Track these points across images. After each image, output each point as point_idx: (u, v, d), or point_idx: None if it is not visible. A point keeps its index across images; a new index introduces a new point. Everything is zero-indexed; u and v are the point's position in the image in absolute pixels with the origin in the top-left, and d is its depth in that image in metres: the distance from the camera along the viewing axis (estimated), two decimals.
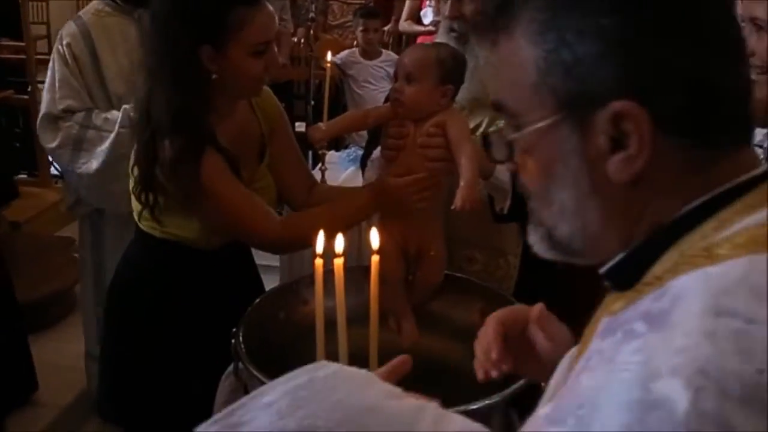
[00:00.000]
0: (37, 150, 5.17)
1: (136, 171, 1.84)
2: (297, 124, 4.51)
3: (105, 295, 2.37)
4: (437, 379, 1.73)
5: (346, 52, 4.81)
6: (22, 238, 4.41)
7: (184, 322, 1.97)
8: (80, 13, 2.80)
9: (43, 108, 2.67)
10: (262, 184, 1.98)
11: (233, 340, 1.60)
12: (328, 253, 1.28)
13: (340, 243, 1.23)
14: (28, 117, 5.25)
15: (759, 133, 1.69)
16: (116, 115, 2.56)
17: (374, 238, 1.32)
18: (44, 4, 9.49)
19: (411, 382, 1.70)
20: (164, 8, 1.77)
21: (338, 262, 1.18)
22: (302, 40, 5.42)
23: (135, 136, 1.85)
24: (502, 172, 1.79)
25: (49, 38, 10.27)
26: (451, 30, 1.91)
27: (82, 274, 3.11)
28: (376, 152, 1.88)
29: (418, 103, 1.70)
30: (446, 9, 1.90)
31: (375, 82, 4.59)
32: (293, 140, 2.10)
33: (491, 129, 1.93)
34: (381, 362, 1.66)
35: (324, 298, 1.25)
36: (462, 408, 1.36)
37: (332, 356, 1.25)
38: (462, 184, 1.58)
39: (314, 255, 1.27)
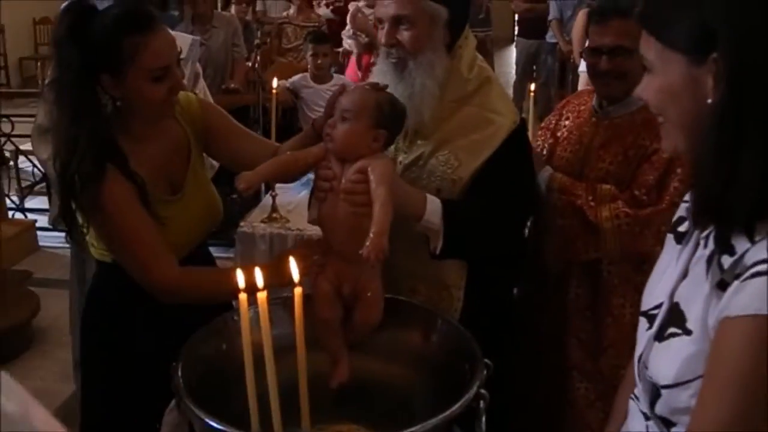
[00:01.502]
0: None
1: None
2: None
3: None
4: (375, 400, 1.77)
5: (298, 76, 4.82)
6: None
7: (145, 346, 1.95)
8: None
9: (36, 120, 2.77)
10: (203, 195, 2.01)
11: (173, 375, 1.60)
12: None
13: (259, 278, 1.25)
14: None
15: None
16: None
17: (294, 270, 1.35)
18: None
19: (351, 403, 1.76)
20: (61, 36, 1.78)
21: (261, 296, 1.20)
22: (257, 65, 5.43)
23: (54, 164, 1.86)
24: (433, 214, 1.82)
25: (6, 69, 10.27)
26: (389, 55, 1.93)
27: (70, 287, 3.13)
28: None
29: (349, 143, 1.70)
30: (382, 36, 1.92)
31: None
32: (231, 120, 2.12)
33: (432, 160, 1.95)
34: (317, 389, 1.71)
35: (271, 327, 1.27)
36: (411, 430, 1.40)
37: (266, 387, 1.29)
38: (371, 232, 1.57)
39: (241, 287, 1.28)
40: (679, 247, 1.28)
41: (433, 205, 1.83)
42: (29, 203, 5.70)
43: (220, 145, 2.08)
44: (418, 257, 1.92)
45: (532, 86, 3.14)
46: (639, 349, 1.29)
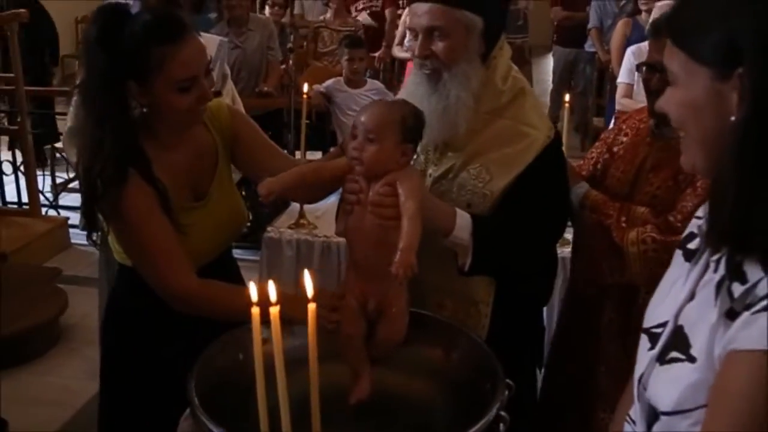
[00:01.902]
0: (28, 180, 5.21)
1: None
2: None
3: None
4: (394, 414, 1.73)
5: (331, 80, 4.81)
6: (7, 268, 4.39)
7: (164, 352, 1.94)
8: None
9: (68, 122, 2.79)
10: (228, 202, 1.99)
11: (187, 384, 1.57)
12: None
13: (273, 291, 1.22)
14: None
15: None
16: None
17: (308, 284, 1.31)
18: None
19: (369, 417, 1.72)
20: (91, 39, 1.76)
21: (274, 311, 1.17)
22: (293, 69, 5.43)
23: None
24: (463, 229, 1.77)
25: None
26: (422, 67, 1.88)
27: (99, 285, 3.14)
28: None
29: (378, 163, 1.65)
30: (416, 48, 1.86)
31: None
32: (259, 132, 2.10)
33: (463, 173, 1.89)
34: (337, 401, 1.68)
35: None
36: None
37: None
38: (400, 248, 1.52)
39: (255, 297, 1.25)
40: (687, 265, 1.23)
41: (463, 220, 1.78)
42: (63, 200, 5.74)
43: (245, 156, 2.06)
44: (445, 272, 1.87)
45: (567, 96, 3.07)
46: (639, 369, 1.24)
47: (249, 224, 3.65)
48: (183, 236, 1.85)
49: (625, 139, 2.27)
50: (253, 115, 4.36)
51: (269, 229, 3.33)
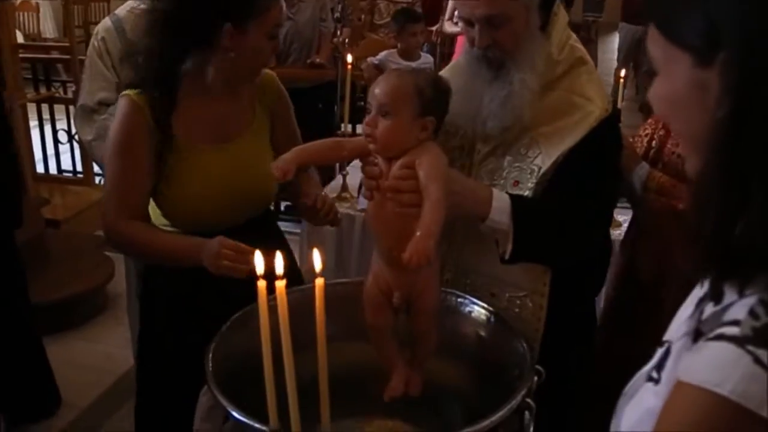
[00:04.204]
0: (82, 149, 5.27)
1: None
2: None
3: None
4: (423, 398, 1.65)
5: (385, 52, 4.74)
6: (57, 236, 4.46)
7: (199, 323, 1.84)
8: (116, 11, 2.86)
9: (79, 100, 2.75)
10: (257, 159, 1.97)
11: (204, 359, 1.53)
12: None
13: (280, 264, 1.15)
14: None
15: None
16: None
17: (317, 261, 1.23)
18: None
19: (396, 400, 1.65)
20: None
21: (280, 285, 1.10)
22: (346, 40, 5.34)
23: None
24: (501, 212, 1.61)
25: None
26: (483, 57, 1.71)
27: (128, 268, 3.10)
28: None
29: (394, 140, 1.48)
30: (476, 38, 1.68)
31: None
32: (292, 118, 2.15)
33: (512, 149, 1.75)
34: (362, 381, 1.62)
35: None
36: None
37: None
38: (417, 234, 1.36)
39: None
40: None
41: (501, 203, 1.61)
42: None
43: (270, 135, 2.07)
44: (496, 260, 1.70)
45: (623, 72, 2.92)
46: (629, 384, 1.09)
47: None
48: (194, 177, 1.90)
49: None
50: (303, 87, 4.33)
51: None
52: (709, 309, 0.91)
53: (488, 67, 1.70)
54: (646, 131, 2.26)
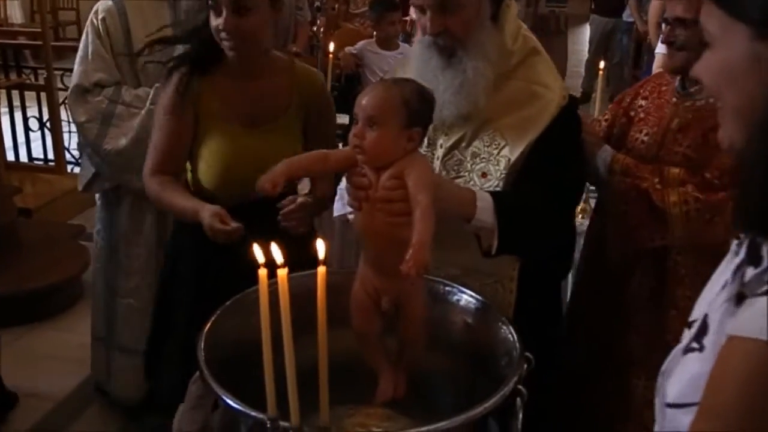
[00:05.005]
0: (54, 137, 5.20)
1: None
2: None
3: (115, 277, 2.82)
4: (414, 386, 1.66)
5: (363, 42, 4.72)
6: (31, 225, 4.40)
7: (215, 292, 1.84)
8: None
9: (74, 80, 2.67)
10: (284, 146, 2.01)
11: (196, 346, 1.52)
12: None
13: (278, 253, 1.15)
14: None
15: None
16: (146, 91, 2.58)
17: (320, 248, 1.24)
18: None
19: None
20: None
21: (282, 273, 1.11)
22: (321, 29, 5.33)
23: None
24: (485, 212, 1.64)
25: (78, 24, 10.42)
26: (433, 44, 1.75)
27: (96, 256, 3.04)
28: (344, 181, 1.66)
29: (382, 151, 1.49)
30: (428, 25, 1.71)
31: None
32: (329, 126, 2.23)
33: (476, 141, 1.79)
34: (354, 369, 1.63)
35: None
36: (444, 423, 1.31)
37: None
38: (411, 245, 1.37)
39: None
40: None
41: (484, 202, 1.64)
42: None
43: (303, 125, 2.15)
44: (468, 251, 1.74)
45: (602, 64, 2.97)
46: (666, 362, 1.13)
47: None
48: (217, 153, 2.06)
49: (644, 102, 2.24)
50: None
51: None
52: (750, 272, 0.95)
53: (439, 55, 1.74)
54: (606, 116, 2.32)
